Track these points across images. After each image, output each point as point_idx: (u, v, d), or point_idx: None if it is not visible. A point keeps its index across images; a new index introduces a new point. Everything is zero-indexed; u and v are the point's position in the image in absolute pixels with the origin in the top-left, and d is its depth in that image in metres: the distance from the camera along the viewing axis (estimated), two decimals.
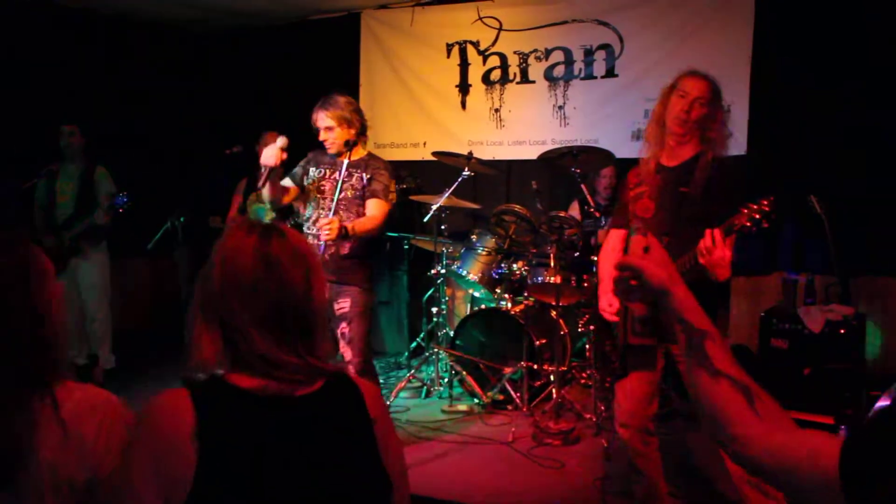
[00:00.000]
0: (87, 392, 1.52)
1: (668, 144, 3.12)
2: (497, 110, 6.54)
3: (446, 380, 5.36)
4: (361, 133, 4.07)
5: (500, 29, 6.45)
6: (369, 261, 4.14)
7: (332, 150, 4.03)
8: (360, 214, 4.02)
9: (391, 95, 6.99)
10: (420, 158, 6.74)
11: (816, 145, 5.23)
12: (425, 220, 5.38)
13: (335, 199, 3.92)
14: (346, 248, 4.01)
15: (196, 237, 6.27)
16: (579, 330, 5.41)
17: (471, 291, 5.89)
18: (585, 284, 5.04)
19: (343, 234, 3.78)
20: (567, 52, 6.20)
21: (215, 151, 6.28)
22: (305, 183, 4.12)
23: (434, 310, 5.57)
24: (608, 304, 3.17)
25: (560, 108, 6.26)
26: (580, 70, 6.17)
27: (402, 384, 5.27)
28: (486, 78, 6.58)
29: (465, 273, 5.40)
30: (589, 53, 6.11)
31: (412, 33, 6.81)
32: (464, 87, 6.68)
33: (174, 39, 7.54)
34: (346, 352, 3.98)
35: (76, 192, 5.47)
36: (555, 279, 4.84)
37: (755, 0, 5.41)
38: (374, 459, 1.55)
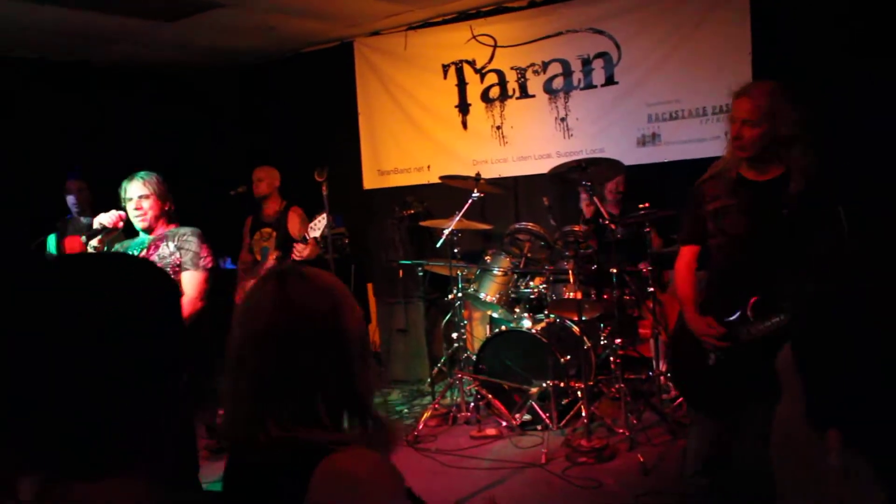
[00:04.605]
0: None
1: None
2: (499, 127, 6.49)
3: (472, 405, 5.27)
4: (171, 213, 3.80)
5: (495, 46, 6.41)
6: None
7: (143, 224, 3.71)
8: None
9: (391, 121, 6.95)
10: (426, 182, 6.70)
11: (828, 145, 5.03)
12: (437, 244, 5.31)
13: None
14: None
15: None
16: (602, 343, 5.32)
17: (489, 313, 5.81)
18: (605, 297, 4.96)
19: None
20: (565, 64, 6.15)
21: (218, 192, 6.22)
22: None
23: (454, 335, 5.49)
24: (707, 326, 3.02)
25: (562, 119, 6.20)
26: (579, 80, 6.12)
27: (428, 412, 5.17)
28: (485, 96, 6.53)
29: (482, 295, 5.33)
30: (587, 63, 6.05)
31: (407, 57, 6.78)
32: (463, 107, 6.64)
33: (165, 82, 7.52)
34: None
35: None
36: (575, 294, 4.76)
37: None
38: None
